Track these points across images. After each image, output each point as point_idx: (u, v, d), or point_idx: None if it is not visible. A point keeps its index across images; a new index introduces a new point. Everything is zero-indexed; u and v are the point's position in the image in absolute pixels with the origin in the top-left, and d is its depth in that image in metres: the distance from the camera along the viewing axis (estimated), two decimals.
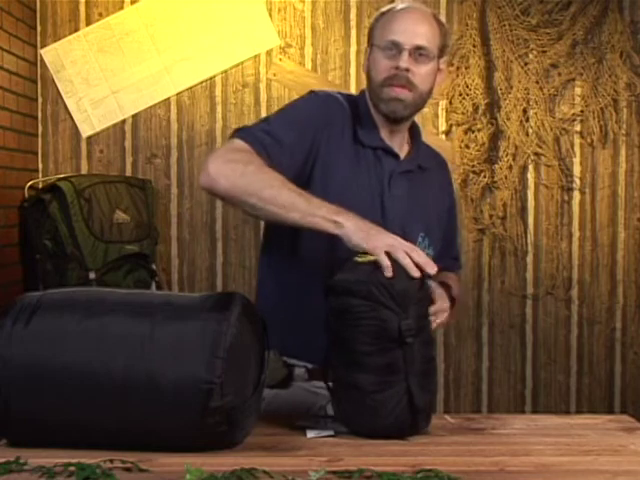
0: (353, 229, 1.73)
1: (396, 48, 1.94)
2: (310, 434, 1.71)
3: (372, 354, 1.67)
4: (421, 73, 1.95)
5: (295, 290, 1.93)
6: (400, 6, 2.01)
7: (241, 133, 1.90)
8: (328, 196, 1.87)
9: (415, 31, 1.95)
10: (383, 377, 1.68)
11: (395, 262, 1.69)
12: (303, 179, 1.92)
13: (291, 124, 1.95)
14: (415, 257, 1.70)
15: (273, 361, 1.84)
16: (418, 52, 1.94)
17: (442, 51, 2.00)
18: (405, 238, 1.85)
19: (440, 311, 1.89)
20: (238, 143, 1.87)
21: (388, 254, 1.68)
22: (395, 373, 1.68)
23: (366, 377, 1.68)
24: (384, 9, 2.05)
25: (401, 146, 2.06)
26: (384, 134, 2.02)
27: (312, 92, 2.08)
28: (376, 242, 1.71)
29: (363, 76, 3.82)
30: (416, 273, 1.69)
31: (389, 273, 1.67)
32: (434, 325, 1.84)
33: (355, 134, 2.00)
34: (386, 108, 1.98)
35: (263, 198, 1.78)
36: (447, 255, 2.17)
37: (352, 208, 1.85)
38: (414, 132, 2.10)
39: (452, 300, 1.97)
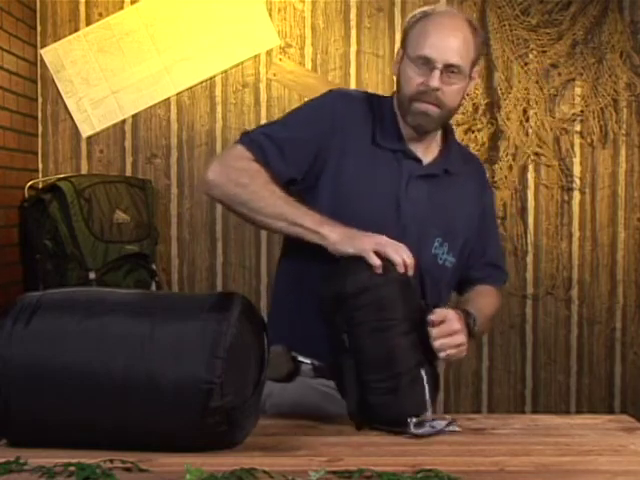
0: (337, 238, 1.79)
1: (428, 65, 1.90)
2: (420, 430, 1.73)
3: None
4: (451, 91, 1.93)
5: (308, 290, 1.92)
6: (436, 13, 1.96)
7: (243, 138, 1.95)
8: (338, 195, 1.92)
9: (448, 46, 1.90)
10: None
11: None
12: (312, 176, 1.94)
13: (300, 123, 1.98)
14: (404, 256, 1.76)
15: (280, 355, 1.89)
16: (450, 69, 1.91)
17: (475, 62, 1.97)
18: (420, 241, 1.93)
19: (445, 336, 1.79)
20: (238, 149, 1.93)
21: (377, 253, 1.74)
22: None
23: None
24: (420, 12, 1.99)
25: (427, 150, 2.02)
26: (408, 138, 2.00)
27: (329, 90, 2.08)
28: (363, 244, 1.76)
29: (363, 76, 3.80)
30: (402, 269, 1.75)
31: (379, 271, 1.73)
32: (444, 354, 1.79)
33: (374, 136, 1.98)
34: (413, 121, 1.96)
35: (252, 208, 1.88)
36: (480, 262, 2.12)
37: (365, 208, 1.91)
38: (447, 135, 2.07)
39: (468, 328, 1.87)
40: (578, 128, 3.87)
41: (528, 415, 3.43)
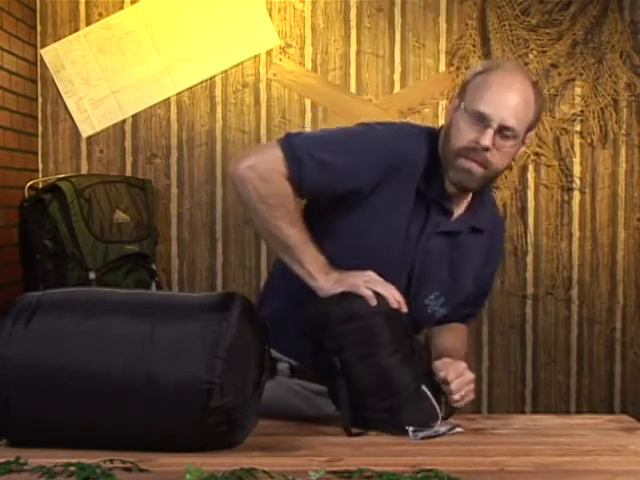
0: (328, 286, 1.81)
1: (482, 122, 1.83)
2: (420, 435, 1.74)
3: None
4: (501, 152, 1.85)
5: (294, 295, 1.92)
6: (500, 67, 1.89)
7: (286, 145, 1.85)
8: (359, 229, 1.89)
9: (507, 106, 1.82)
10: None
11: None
12: (338, 200, 1.89)
13: (353, 152, 1.88)
14: (393, 292, 1.79)
15: None
16: (504, 131, 1.83)
17: (532, 125, 1.90)
18: (418, 292, 1.95)
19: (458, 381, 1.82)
20: (278, 156, 1.84)
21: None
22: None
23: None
24: (483, 65, 1.93)
25: (459, 204, 1.97)
26: (448, 193, 1.93)
27: (400, 126, 2.01)
28: (354, 281, 1.79)
29: (363, 76, 3.80)
30: (395, 304, 1.78)
31: (373, 301, 1.76)
32: (457, 398, 1.81)
33: (419, 186, 1.90)
34: (455, 177, 1.88)
35: (266, 228, 1.86)
36: (462, 310, 2.09)
37: (379, 250, 1.90)
38: (482, 191, 1.99)
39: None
40: (578, 128, 3.87)
41: (528, 415, 3.43)
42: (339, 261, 1.85)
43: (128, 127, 3.83)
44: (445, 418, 1.81)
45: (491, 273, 2.14)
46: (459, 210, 1.97)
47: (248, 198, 1.85)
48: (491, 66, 1.90)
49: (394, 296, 1.79)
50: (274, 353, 1.90)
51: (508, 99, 1.83)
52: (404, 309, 1.80)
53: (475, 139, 1.83)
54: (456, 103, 1.90)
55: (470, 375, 1.84)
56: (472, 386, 1.85)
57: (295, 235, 1.84)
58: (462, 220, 1.97)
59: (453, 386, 1.80)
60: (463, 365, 1.85)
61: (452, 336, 2.08)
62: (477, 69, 1.91)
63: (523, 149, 1.95)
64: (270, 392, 1.80)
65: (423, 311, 1.98)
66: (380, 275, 1.82)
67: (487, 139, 1.82)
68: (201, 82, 3.82)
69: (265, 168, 1.84)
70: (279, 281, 2.05)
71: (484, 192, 2.00)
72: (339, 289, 1.79)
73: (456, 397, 1.81)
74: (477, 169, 1.86)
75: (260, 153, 1.95)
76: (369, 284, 1.78)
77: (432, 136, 1.95)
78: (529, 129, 1.89)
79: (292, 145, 1.85)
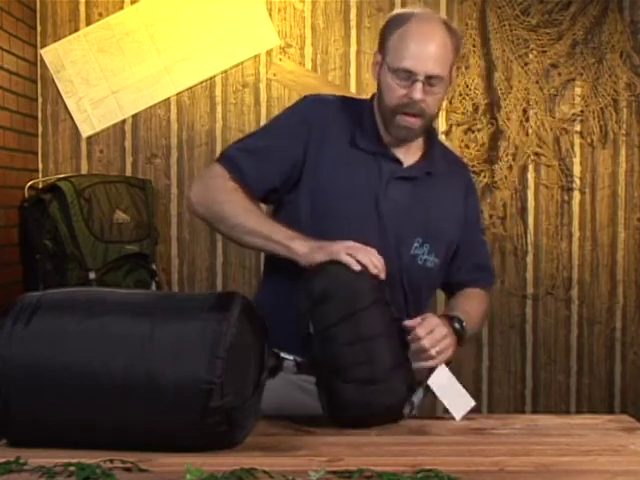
0: (306, 251, 1.83)
1: (409, 77, 1.91)
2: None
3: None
4: (434, 99, 1.94)
5: (288, 290, 1.93)
6: (414, 18, 1.95)
7: (220, 157, 2.02)
8: (318, 197, 1.95)
9: (429, 56, 1.90)
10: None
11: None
12: (291, 182, 1.98)
13: (277, 130, 2.03)
14: (373, 259, 1.79)
15: None
16: (431, 80, 1.91)
17: (453, 64, 1.97)
18: (399, 241, 1.96)
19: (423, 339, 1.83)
20: (216, 168, 2.00)
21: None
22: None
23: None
24: (397, 14, 2.00)
25: (407, 153, 2.04)
26: (388, 141, 2.01)
27: (304, 97, 2.11)
28: (333, 248, 1.80)
29: (363, 76, 3.79)
30: (374, 270, 1.78)
31: (356, 267, 1.77)
32: (440, 358, 1.83)
33: (353, 138, 2.00)
34: (396, 133, 1.98)
35: (229, 225, 1.94)
36: (467, 264, 2.12)
37: (345, 208, 1.94)
38: (430, 138, 2.08)
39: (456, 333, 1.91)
40: (578, 128, 3.87)
41: (528, 415, 3.43)
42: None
43: (128, 127, 3.84)
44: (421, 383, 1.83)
45: (471, 215, 2.15)
46: (411, 158, 2.04)
47: (205, 210, 1.97)
48: (404, 16, 1.96)
49: (373, 263, 1.79)
50: (278, 351, 1.91)
51: (428, 50, 1.91)
52: (382, 275, 1.79)
53: (406, 95, 1.92)
54: (379, 59, 2.00)
55: (442, 330, 1.84)
56: (448, 341, 1.85)
57: (254, 217, 1.91)
58: (417, 167, 2.04)
59: (425, 342, 1.81)
60: (435, 320, 1.85)
61: (457, 297, 2.09)
62: (393, 21, 1.98)
63: (453, 82, 2.05)
64: (277, 389, 1.81)
65: (414, 264, 1.99)
66: (357, 241, 1.84)
67: (418, 92, 1.91)
68: (201, 82, 3.82)
69: (209, 179, 1.99)
70: (275, 277, 2.05)
71: (435, 140, 2.08)
72: (320, 257, 1.80)
73: (432, 352, 1.81)
74: (415, 122, 1.95)
75: (201, 176, 2.17)
76: (349, 250, 1.78)
77: (354, 99, 2.12)
78: (451, 68, 1.97)
79: (223, 154, 2.02)
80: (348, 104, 2.06)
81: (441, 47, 1.93)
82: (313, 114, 2.01)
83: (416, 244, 2.00)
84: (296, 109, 2.06)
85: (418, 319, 1.85)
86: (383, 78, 1.97)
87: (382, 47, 1.99)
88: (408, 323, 1.83)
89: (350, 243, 1.81)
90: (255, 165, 1.97)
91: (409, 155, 2.04)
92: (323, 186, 1.96)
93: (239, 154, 1.98)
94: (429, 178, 2.04)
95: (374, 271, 1.78)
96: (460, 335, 1.91)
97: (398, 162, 2.02)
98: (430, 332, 1.82)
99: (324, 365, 1.78)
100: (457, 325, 1.91)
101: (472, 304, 2.08)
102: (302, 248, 1.83)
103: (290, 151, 1.97)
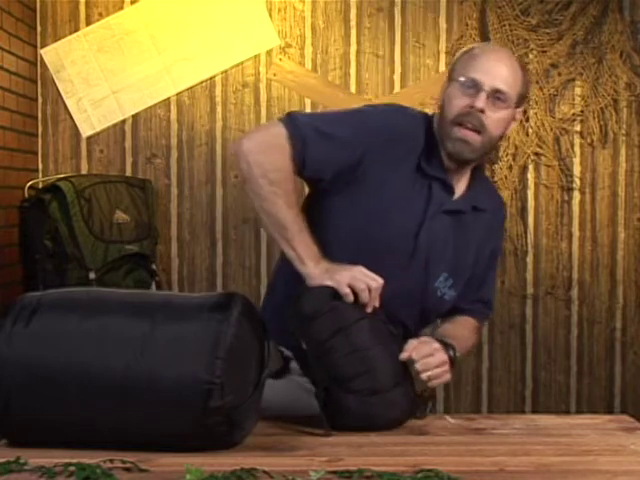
0: (317, 274, 1.81)
1: (475, 87, 1.89)
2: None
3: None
4: (495, 117, 1.90)
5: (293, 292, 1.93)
6: (486, 45, 1.97)
7: (289, 123, 1.88)
8: (362, 209, 1.91)
9: (498, 73, 1.89)
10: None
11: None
12: (341, 181, 1.91)
13: (354, 125, 1.93)
14: (373, 292, 1.78)
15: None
16: (496, 95, 1.89)
17: (520, 100, 1.96)
18: (426, 273, 1.95)
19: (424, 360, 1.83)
20: (281, 133, 1.87)
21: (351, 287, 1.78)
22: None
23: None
24: (469, 47, 2.00)
25: (459, 181, 2.00)
26: (447, 166, 1.97)
27: (398, 106, 2.04)
28: (339, 277, 1.79)
29: (363, 76, 3.79)
30: (369, 309, 1.78)
31: (350, 299, 1.77)
32: (424, 378, 1.82)
33: (419, 163, 1.94)
34: (452, 147, 1.93)
35: (263, 207, 1.87)
36: (472, 296, 2.10)
37: (384, 230, 1.91)
38: (477, 170, 2.04)
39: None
40: (578, 128, 3.87)
41: (528, 415, 3.43)
42: (336, 248, 1.87)
43: (128, 127, 3.83)
44: (420, 396, 1.83)
45: (493, 252, 2.13)
46: (460, 189, 2.00)
47: (249, 172, 1.86)
48: (478, 46, 1.97)
49: (368, 298, 1.78)
50: (286, 352, 1.92)
51: (498, 67, 1.91)
52: (369, 310, 1.79)
53: (469, 104, 1.89)
54: (446, 85, 1.96)
55: (442, 356, 1.83)
56: (445, 367, 1.84)
57: (291, 217, 1.85)
58: (464, 200, 2.00)
59: (418, 366, 1.80)
60: (435, 346, 1.84)
61: (453, 323, 2.08)
62: (464, 50, 1.98)
63: (514, 125, 2.00)
64: (283, 391, 1.81)
65: (433, 295, 1.98)
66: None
67: (481, 101, 1.88)
68: (201, 82, 3.82)
69: (268, 144, 1.87)
70: (284, 280, 2.04)
71: (481, 173, 2.06)
72: (326, 281, 1.79)
73: (423, 377, 1.81)
74: (473, 137, 1.91)
75: (263, 130, 2.01)
76: (353, 281, 1.77)
77: (428, 119, 2.01)
78: (519, 101, 1.94)
79: (295, 122, 1.89)
80: (427, 123, 1.99)
81: (511, 70, 1.91)
82: (397, 125, 1.95)
83: (441, 278, 1.99)
84: (381, 112, 2.00)
85: (415, 342, 1.84)
86: (447, 93, 1.93)
87: (451, 72, 1.96)
88: (406, 346, 1.82)
89: (358, 273, 1.79)
90: (320, 150, 1.88)
91: (460, 184, 2.00)
92: (369, 201, 1.92)
93: (310, 133, 1.87)
94: (473, 213, 2.01)
95: (368, 309, 1.79)
96: (452, 363, 1.89)
97: (450, 190, 1.98)
98: (426, 356, 1.82)
99: (323, 376, 1.78)
100: (451, 353, 1.89)
101: (465, 334, 2.07)
102: (315, 270, 1.82)
103: (358, 151, 1.90)
